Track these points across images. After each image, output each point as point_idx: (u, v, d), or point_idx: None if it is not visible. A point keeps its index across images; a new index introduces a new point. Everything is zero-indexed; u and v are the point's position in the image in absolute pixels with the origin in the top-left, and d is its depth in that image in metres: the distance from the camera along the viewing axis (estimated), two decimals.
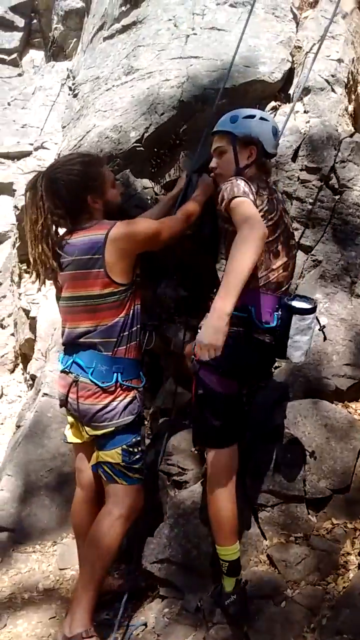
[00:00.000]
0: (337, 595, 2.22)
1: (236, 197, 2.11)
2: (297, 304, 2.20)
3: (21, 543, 3.24)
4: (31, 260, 2.45)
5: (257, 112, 2.43)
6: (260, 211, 2.19)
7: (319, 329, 2.34)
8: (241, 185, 2.16)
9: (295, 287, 3.06)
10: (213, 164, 2.46)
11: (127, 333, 2.39)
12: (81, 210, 2.41)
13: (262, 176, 2.41)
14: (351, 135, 3.21)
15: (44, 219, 2.36)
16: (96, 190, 2.41)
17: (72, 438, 2.57)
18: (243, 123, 2.37)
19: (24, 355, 5.32)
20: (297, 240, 3.12)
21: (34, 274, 2.47)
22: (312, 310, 2.21)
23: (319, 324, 2.46)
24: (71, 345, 2.44)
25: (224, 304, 1.88)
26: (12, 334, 5.84)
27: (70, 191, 2.36)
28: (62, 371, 2.47)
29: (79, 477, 2.65)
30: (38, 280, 2.48)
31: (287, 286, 2.37)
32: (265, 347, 2.25)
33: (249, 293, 2.20)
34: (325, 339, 2.74)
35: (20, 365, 5.59)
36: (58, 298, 2.51)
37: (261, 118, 2.41)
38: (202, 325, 2.00)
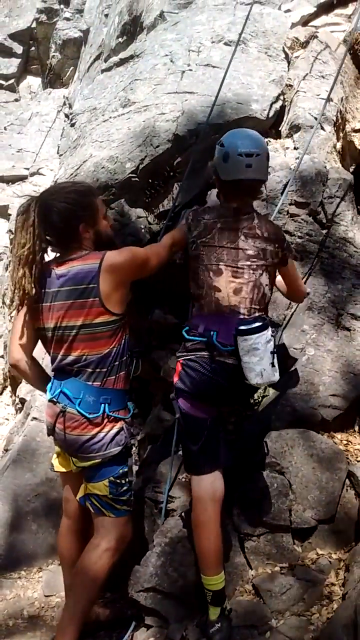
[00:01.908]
0: (321, 626, 2.23)
1: None
2: (242, 326, 2.26)
3: (6, 569, 3.21)
4: (11, 284, 2.40)
5: (225, 136, 2.43)
6: (190, 237, 2.46)
7: (271, 352, 2.26)
8: (187, 215, 2.51)
9: (283, 318, 3.14)
10: None
11: (117, 363, 2.38)
12: (72, 238, 2.39)
13: (222, 203, 2.50)
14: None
15: (32, 243, 2.33)
16: (88, 220, 2.40)
17: (58, 467, 2.55)
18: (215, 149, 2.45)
19: (13, 377, 5.32)
20: None
21: (10, 299, 2.42)
22: (252, 331, 2.23)
23: (272, 347, 2.33)
24: (61, 372, 2.42)
25: None
26: (2, 356, 5.85)
27: (63, 218, 2.34)
28: (50, 400, 2.44)
29: (65, 506, 2.63)
30: (11, 305, 2.42)
31: (249, 309, 2.38)
32: (232, 370, 2.30)
33: (210, 317, 2.36)
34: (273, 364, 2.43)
35: (9, 388, 5.58)
36: (39, 328, 2.43)
37: (220, 143, 2.40)
38: None
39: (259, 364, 2.23)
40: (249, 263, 2.38)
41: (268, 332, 2.28)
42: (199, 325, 2.40)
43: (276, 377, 2.29)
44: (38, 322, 2.41)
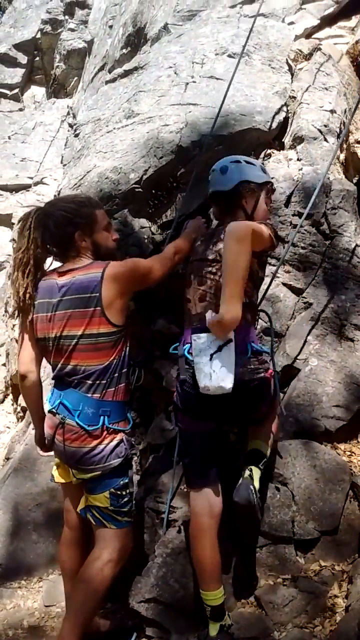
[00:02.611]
0: (323, 638, 2.23)
1: None
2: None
3: (6, 578, 3.20)
4: (12, 290, 2.47)
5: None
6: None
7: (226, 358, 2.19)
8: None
9: (286, 328, 3.14)
10: None
11: (117, 375, 2.38)
12: (68, 246, 2.42)
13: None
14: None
15: (26, 247, 2.39)
16: (84, 229, 2.42)
17: (59, 478, 2.55)
18: None
19: (15, 386, 5.32)
20: (288, 282, 3.21)
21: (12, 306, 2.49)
22: (205, 330, 2.20)
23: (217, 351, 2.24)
24: (60, 382, 2.42)
25: None
26: (4, 364, 5.85)
27: (58, 225, 2.39)
28: (49, 411, 2.45)
29: (67, 517, 2.62)
30: (15, 312, 2.48)
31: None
32: None
33: (187, 330, 2.40)
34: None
35: (11, 396, 5.58)
36: (40, 339, 2.44)
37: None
38: None
39: (205, 366, 2.16)
40: (209, 269, 2.39)
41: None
42: (181, 339, 2.44)
43: (227, 385, 2.13)
44: (38, 332, 2.43)
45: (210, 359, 2.16)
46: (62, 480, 2.53)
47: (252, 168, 2.50)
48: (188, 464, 2.42)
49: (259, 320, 2.91)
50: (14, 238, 5.03)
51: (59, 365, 2.39)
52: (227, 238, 2.14)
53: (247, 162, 2.52)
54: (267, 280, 3.08)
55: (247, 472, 2.33)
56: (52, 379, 2.49)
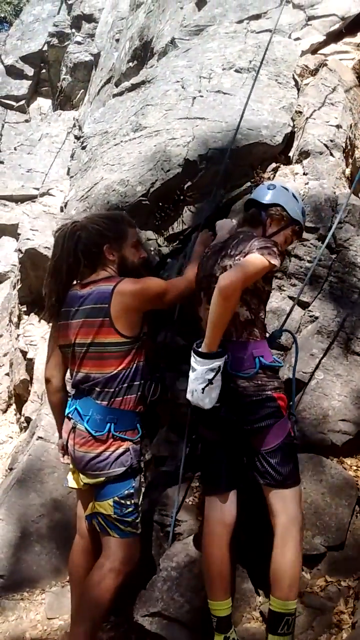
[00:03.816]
0: None
1: None
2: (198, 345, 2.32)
3: (9, 590, 3.19)
4: (45, 295, 2.64)
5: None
6: None
7: (209, 380, 2.25)
8: None
9: (292, 342, 3.14)
10: None
11: (125, 385, 2.45)
12: (96, 258, 2.57)
13: None
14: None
15: (60, 257, 2.56)
16: (113, 243, 2.57)
17: (72, 483, 2.59)
18: None
19: (18, 395, 5.32)
20: (296, 296, 3.22)
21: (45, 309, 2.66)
22: (194, 352, 2.29)
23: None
24: (77, 389, 2.54)
25: None
26: (7, 374, 5.86)
27: (89, 237, 2.55)
28: (66, 416, 2.56)
29: (78, 524, 2.65)
30: (45, 315, 2.67)
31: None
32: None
33: None
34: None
35: (14, 406, 5.58)
36: (62, 345, 2.58)
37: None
38: None
39: (192, 382, 2.28)
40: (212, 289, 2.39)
41: (212, 363, 2.23)
42: None
43: (206, 403, 2.24)
44: (60, 339, 2.57)
45: (195, 379, 2.27)
46: (75, 486, 2.58)
47: (294, 202, 2.59)
48: (203, 470, 2.48)
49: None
50: (20, 249, 5.07)
51: (74, 373, 2.52)
52: (216, 292, 2.22)
53: (293, 196, 2.61)
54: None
55: None
56: (71, 387, 2.61)
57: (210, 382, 2.23)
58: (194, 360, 2.29)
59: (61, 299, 2.56)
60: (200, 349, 2.28)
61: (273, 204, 2.55)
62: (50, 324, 2.72)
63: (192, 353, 2.31)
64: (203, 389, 2.23)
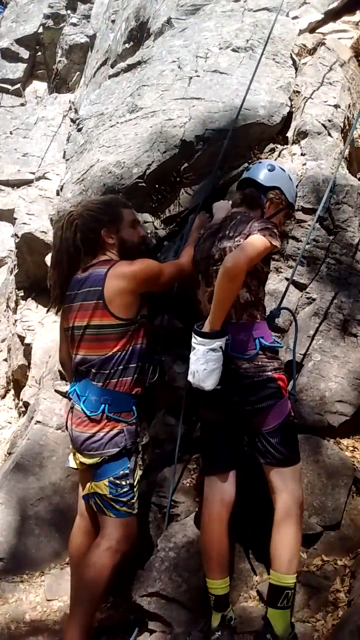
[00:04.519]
0: (326, 632, 2.23)
1: None
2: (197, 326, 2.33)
3: (9, 572, 3.21)
4: (50, 286, 2.71)
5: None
6: None
7: (209, 360, 2.25)
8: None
9: (289, 324, 3.13)
10: None
11: (121, 367, 2.47)
12: (96, 244, 2.61)
13: None
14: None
15: (59, 248, 2.62)
16: (110, 226, 2.60)
17: (72, 463, 2.63)
18: None
19: (16, 381, 5.33)
20: (291, 277, 3.21)
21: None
22: (196, 332, 2.30)
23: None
24: (76, 371, 2.58)
25: None
26: (5, 360, 5.86)
27: (86, 223, 2.58)
28: (67, 396, 2.62)
29: (79, 504, 2.67)
30: (52, 306, 2.74)
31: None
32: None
33: None
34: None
35: (12, 391, 5.59)
36: (65, 329, 2.64)
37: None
38: None
39: (194, 363, 2.28)
40: (215, 267, 2.41)
41: (212, 343, 2.24)
42: None
43: (207, 385, 2.24)
44: (63, 323, 2.65)
45: (197, 359, 2.26)
46: (74, 466, 2.61)
47: (290, 185, 2.64)
48: (203, 450, 2.49)
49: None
50: (16, 234, 5.03)
51: (74, 355, 2.57)
52: (221, 274, 2.23)
53: (289, 178, 2.65)
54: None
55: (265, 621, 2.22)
56: (72, 368, 2.65)
57: (213, 363, 2.24)
58: (195, 341, 2.29)
59: (65, 289, 2.61)
60: (201, 330, 2.29)
61: (273, 186, 2.55)
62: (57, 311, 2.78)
63: (193, 334, 2.31)
64: (206, 370, 2.24)
